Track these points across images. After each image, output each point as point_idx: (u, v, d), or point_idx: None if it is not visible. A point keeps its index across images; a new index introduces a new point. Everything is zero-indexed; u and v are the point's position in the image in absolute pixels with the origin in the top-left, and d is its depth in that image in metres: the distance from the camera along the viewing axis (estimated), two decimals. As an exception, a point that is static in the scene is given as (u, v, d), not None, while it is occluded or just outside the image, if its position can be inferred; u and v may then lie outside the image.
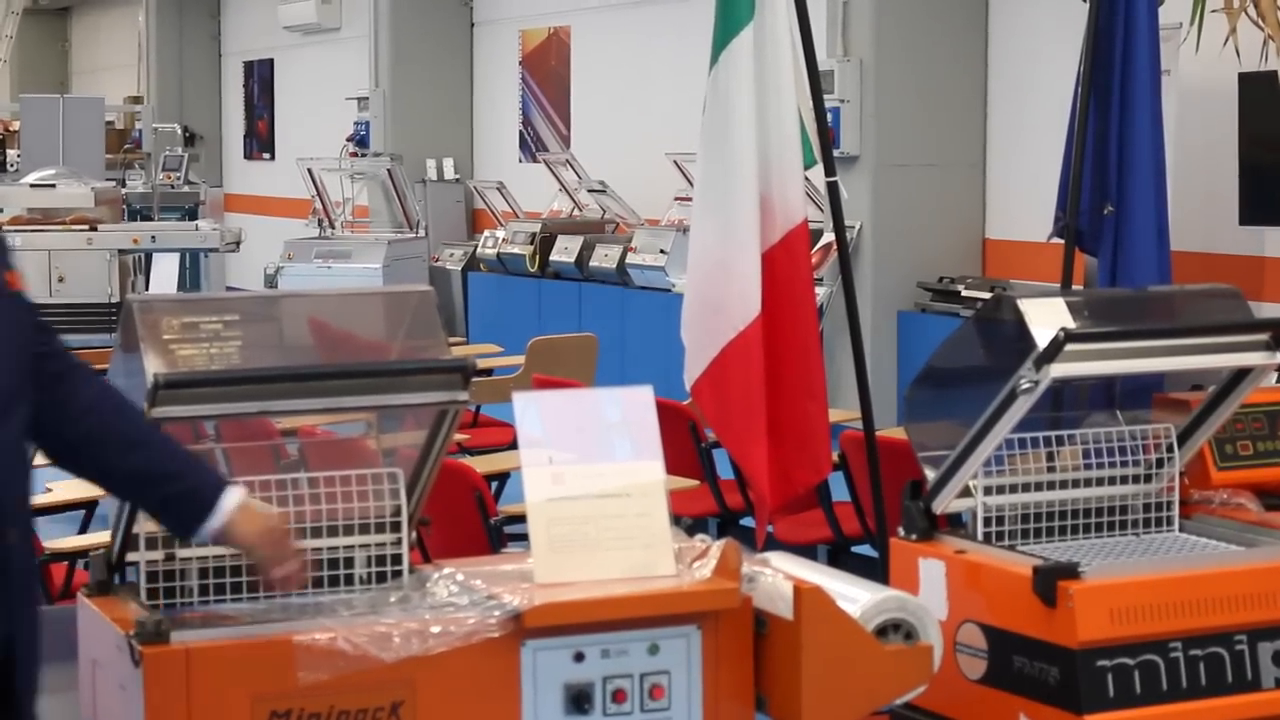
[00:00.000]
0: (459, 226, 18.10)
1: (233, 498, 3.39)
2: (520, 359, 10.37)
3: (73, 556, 6.22)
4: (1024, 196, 12.04)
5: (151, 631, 3.27)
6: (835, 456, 6.47)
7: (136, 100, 25.80)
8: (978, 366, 4.85)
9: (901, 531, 4.61)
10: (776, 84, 5.81)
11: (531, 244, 15.34)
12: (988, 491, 4.56)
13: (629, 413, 3.70)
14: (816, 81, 6.03)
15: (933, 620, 3.64)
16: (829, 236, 11.28)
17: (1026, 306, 4.43)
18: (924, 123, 12.26)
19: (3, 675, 3.03)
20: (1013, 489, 4.62)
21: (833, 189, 6.13)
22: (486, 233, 16.50)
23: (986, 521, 4.56)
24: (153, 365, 3.42)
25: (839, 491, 7.16)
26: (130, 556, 3.61)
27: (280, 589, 3.49)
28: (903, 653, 3.58)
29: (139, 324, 3.50)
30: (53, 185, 18.20)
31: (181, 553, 3.60)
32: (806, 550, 6.85)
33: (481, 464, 7.00)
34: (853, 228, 11.77)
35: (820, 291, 10.35)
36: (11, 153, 22.71)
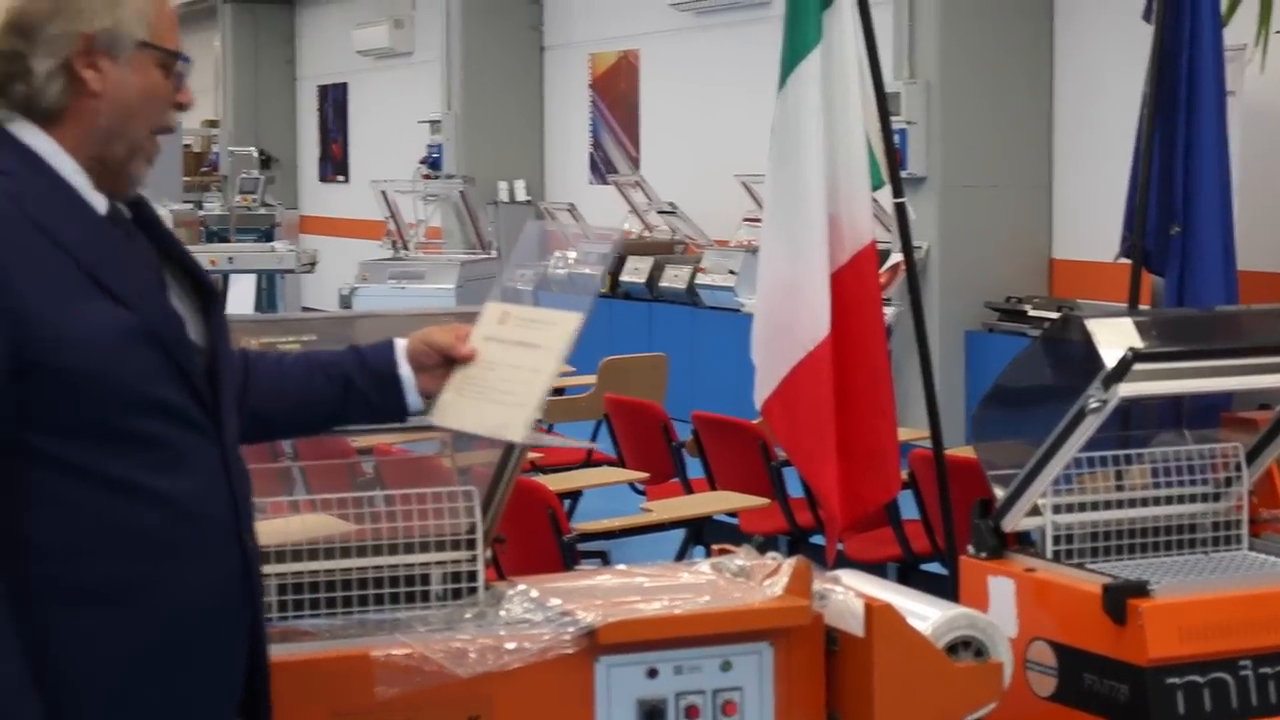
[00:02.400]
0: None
1: (400, 350, 3.38)
2: (591, 378, 10.41)
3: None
4: (1090, 216, 12.03)
5: (232, 647, 3.32)
6: (904, 475, 6.49)
7: (213, 124, 26.01)
8: (1046, 386, 4.86)
9: (971, 549, 4.63)
10: (844, 106, 5.84)
11: (602, 265, 15.39)
12: (1057, 510, 4.58)
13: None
14: (884, 103, 6.06)
15: (1003, 637, 3.65)
16: (897, 257, 11.30)
17: (1094, 326, 4.44)
18: (990, 143, 12.26)
19: (250, 678, 3.08)
20: (1081, 507, 4.63)
21: (900, 210, 6.16)
22: (557, 253, 16.56)
23: (1056, 540, 4.57)
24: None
25: (908, 510, 7.17)
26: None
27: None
28: (973, 670, 3.59)
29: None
30: (130, 208, 18.35)
31: (262, 568, 3.64)
32: (876, 568, 6.87)
33: (554, 482, 7.04)
34: (920, 248, 11.79)
35: (888, 311, 10.36)
36: (90, 176, 22.87)
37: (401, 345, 3.37)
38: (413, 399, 3.37)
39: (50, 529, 2.81)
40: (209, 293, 3.09)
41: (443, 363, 3.39)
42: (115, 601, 2.84)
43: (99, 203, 2.93)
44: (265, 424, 3.29)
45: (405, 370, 3.36)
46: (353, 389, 3.35)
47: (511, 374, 3.38)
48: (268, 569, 3.60)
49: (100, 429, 2.83)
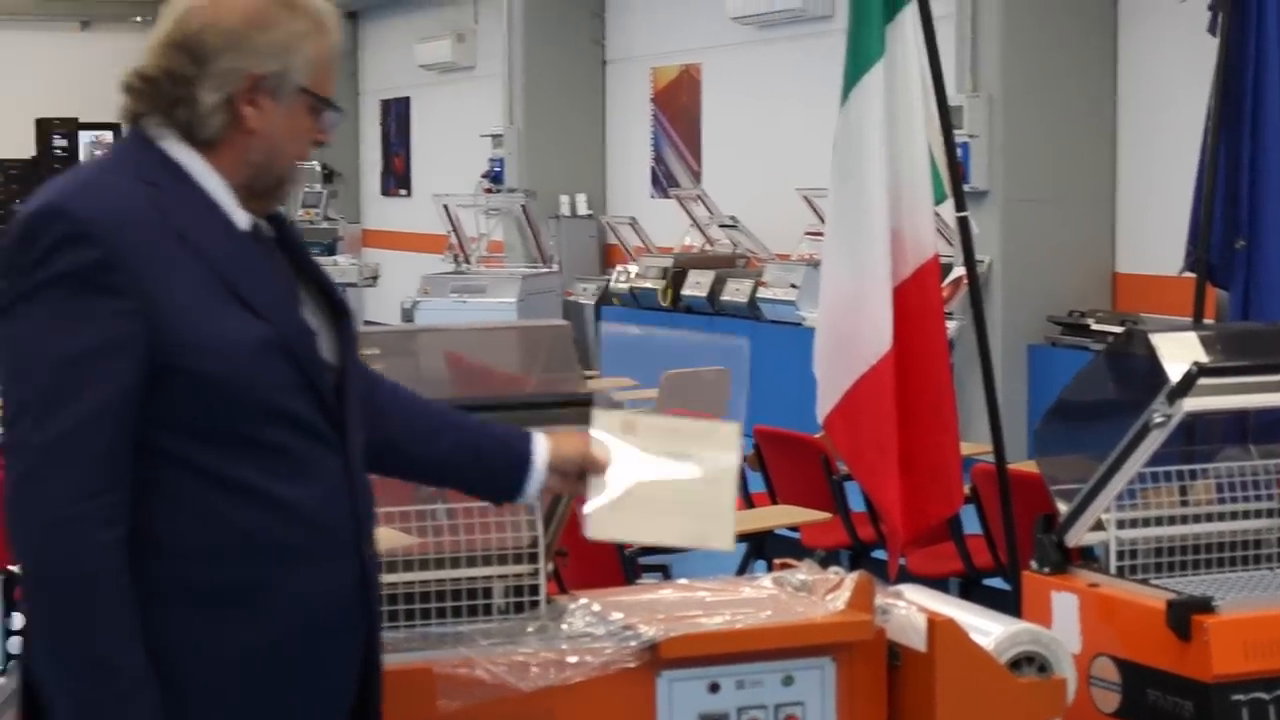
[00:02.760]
0: (592, 261, 18.21)
1: (541, 451, 3.40)
2: (653, 392, 10.41)
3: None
4: (1154, 230, 11.97)
5: (295, 659, 3.33)
6: (967, 489, 6.47)
7: (275, 138, 26.11)
8: (1109, 400, 4.84)
9: (1034, 564, 4.62)
10: (907, 119, 5.83)
11: (664, 278, 15.41)
12: (1120, 525, 4.56)
13: (710, 388, 3.70)
14: (946, 117, 6.05)
15: (1066, 653, 3.64)
16: (959, 271, 11.27)
17: (1158, 340, 4.43)
18: (1053, 157, 12.23)
19: (362, 687, 3.12)
20: (1145, 523, 4.61)
21: (963, 224, 6.14)
22: (619, 267, 16.59)
23: (1119, 555, 4.55)
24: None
25: (970, 524, 7.15)
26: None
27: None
28: (1036, 685, 3.58)
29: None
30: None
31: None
32: (938, 583, 6.85)
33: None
34: (983, 262, 11.76)
35: (950, 325, 10.34)
36: (155, 190, 23.03)
37: (543, 440, 3.40)
38: (532, 489, 3.41)
39: (177, 529, 2.89)
40: (342, 310, 3.18)
41: (579, 472, 3.40)
42: (233, 604, 2.91)
43: (242, 219, 3.02)
44: (378, 456, 3.30)
45: (541, 462, 3.38)
46: (479, 462, 3.40)
47: (686, 486, 3.38)
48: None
49: (231, 435, 2.91)
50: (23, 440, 2.81)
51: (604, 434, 3.39)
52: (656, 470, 3.38)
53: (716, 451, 3.42)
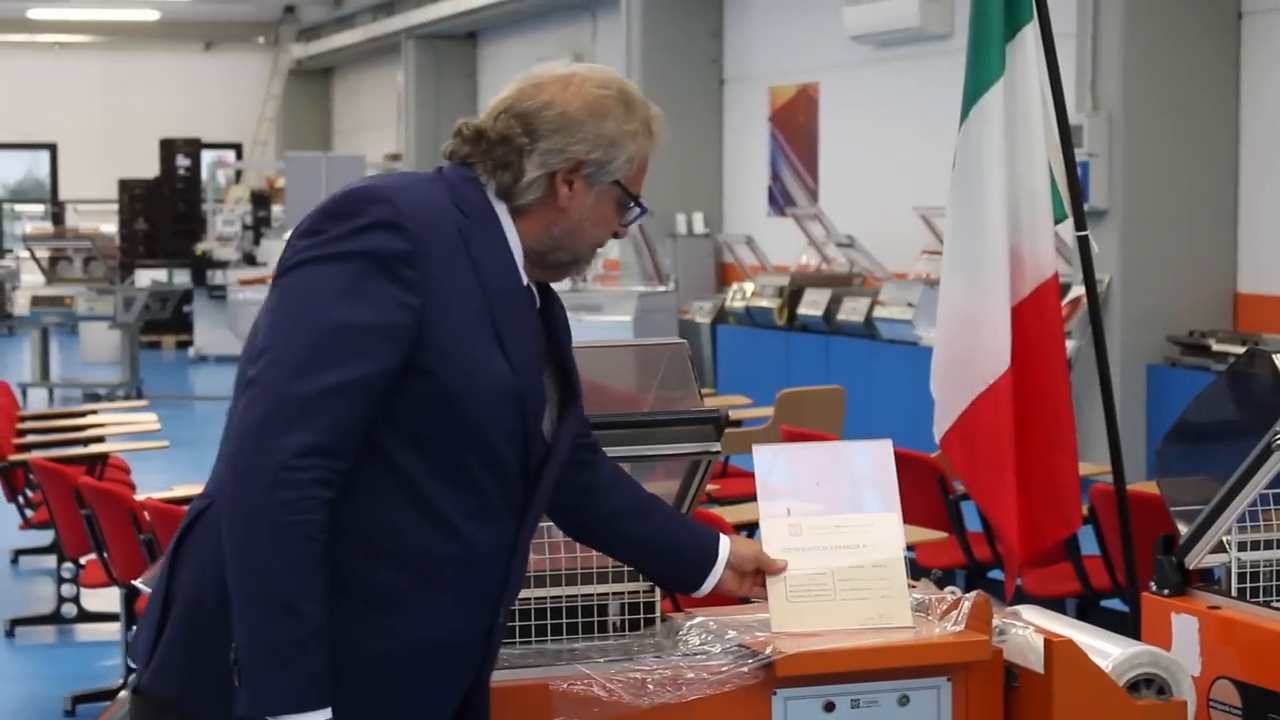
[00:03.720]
0: (708, 280, 18.23)
1: (724, 548, 3.59)
2: (768, 410, 10.41)
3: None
4: (1277, 250, 11.86)
5: (413, 674, 3.35)
6: (1085, 510, 6.42)
7: (395, 158, 26.36)
8: (1231, 421, 4.80)
9: (1153, 586, 4.58)
10: (1027, 138, 5.80)
11: (780, 297, 15.41)
12: (1242, 547, 4.51)
13: (870, 464, 3.73)
14: (1067, 135, 6.01)
15: (1186, 676, 3.61)
16: (1078, 290, 11.20)
17: (1281, 361, 4.39)
18: (1174, 176, 12.13)
19: None
20: (1268, 545, 4.56)
21: (1083, 243, 6.10)
22: (735, 286, 16.60)
23: (1241, 577, 4.51)
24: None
25: (1088, 545, 7.10)
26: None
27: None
28: (1155, 708, 3.55)
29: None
30: (313, 241, 18.60)
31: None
32: (1055, 603, 6.81)
33: (731, 514, 7.05)
34: (1102, 281, 11.68)
35: (1069, 345, 10.27)
36: (276, 208, 23.28)
37: (726, 541, 3.60)
38: (709, 584, 3.58)
39: (356, 518, 3.01)
40: (572, 394, 3.33)
41: (755, 573, 3.60)
42: (378, 607, 3.02)
43: (524, 275, 3.19)
44: (589, 527, 3.57)
45: (723, 561, 3.58)
46: (675, 549, 3.58)
47: (856, 573, 3.61)
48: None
49: (443, 453, 3.05)
50: (279, 383, 2.94)
51: (775, 542, 3.61)
52: (829, 562, 3.60)
53: (881, 537, 3.64)
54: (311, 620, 2.89)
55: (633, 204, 3.28)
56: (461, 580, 3.08)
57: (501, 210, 3.16)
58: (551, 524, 3.76)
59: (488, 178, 3.16)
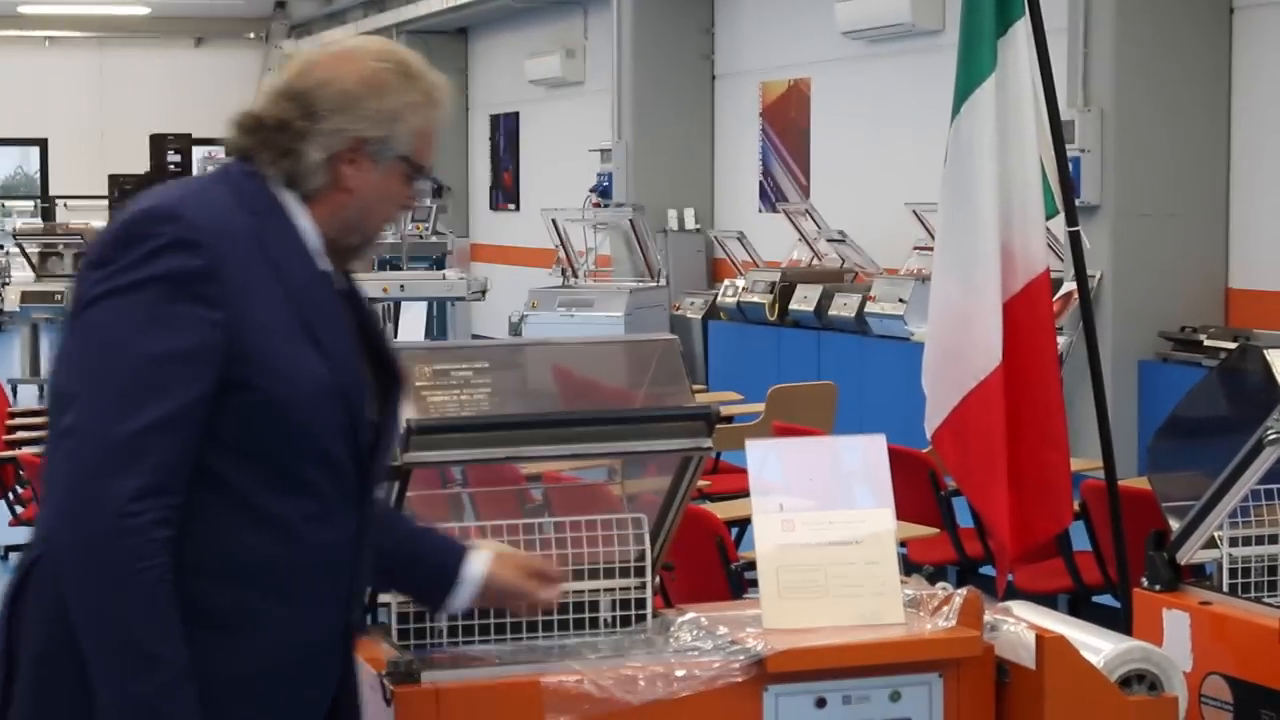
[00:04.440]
0: (699, 276, 18.21)
1: (477, 565, 3.45)
2: (760, 407, 10.40)
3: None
4: (1268, 245, 11.86)
5: (403, 671, 3.36)
6: (1076, 506, 6.42)
7: (385, 153, 26.29)
8: (1223, 417, 4.80)
9: (1145, 582, 4.58)
10: (1019, 134, 5.81)
11: (771, 293, 15.40)
12: (1233, 543, 4.52)
13: (862, 460, 3.73)
14: (1058, 131, 6.01)
15: (1177, 672, 3.61)
16: (1069, 286, 11.21)
17: (1274, 356, 4.39)
18: (1166, 172, 12.13)
19: None
20: (1259, 540, 4.56)
21: (1075, 239, 6.11)
22: (726, 282, 16.59)
23: (1232, 573, 4.51)
24: (406, 411, 3.50)
25: (1080, 541, 7.10)
26: (382, 598, 3.69)
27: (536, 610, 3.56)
28: (1146, 704, 3.55)
29: (394, 371, 3.57)
30: (305, 236, 18.59)
31: (432, 594, 3.67)
32: (1047, 599, 6.80)
33: (722, 510, 7.04)
34: (1094, 277, 11.68)
35: (1060, 341, 10.28)
36: (267, 204, 23.22)
37: (484, 562, 3.44)
38: (457, 604, 3.46)
39: (195, 544, 2.92)
40: (393, 376, 3.24)
41: (519, 594, 3.47)
42: (230, 628, 2.95)
43: (324, 265, 3.10)
44: None
45: (474, 579, 3.43)
46: (411, 569, 3.46)
47: (848, 569, 3.61)
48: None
49: (273, 462, 2.97)
50: (98, 429, 2.84)
51: (767, 536, 3.59)
52: (820, 560, 3.60)
53: (873, 533, 3.64)
54: (174, 664, 2.83)
55: (419, 177, 3.17)
56: (311, 585, 3.02)
57: (289, 200, 3.07)
58: (542, 520, 3.77)
59: (270, 168, 3.06)
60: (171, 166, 24.43)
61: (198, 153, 26.08)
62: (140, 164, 25.51)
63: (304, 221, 3.07)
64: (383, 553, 3.32)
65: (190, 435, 2.88)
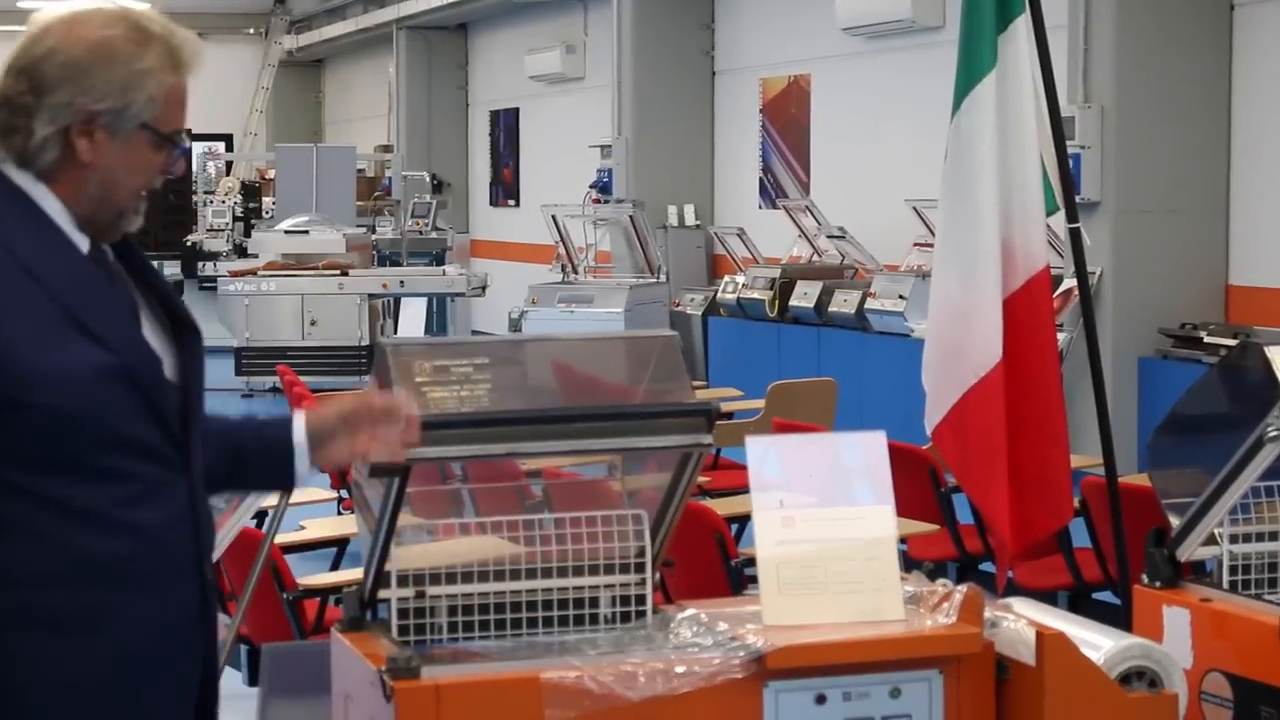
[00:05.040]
0: (699, 272, 18.21)
1: (298, 428, 3.31)
2: (760, 403, 10.40)
3: (324, 592, 6.37)
4: (1268, 241, 11.85)
5: (403, 667, 3.35)
6: (1076, 502, 6.42)
7: (386, 149, 26.33)
8: (1223, 414, 4.80)
9: (1145, 579, 4.58)
10: (1019, 130, 5.81)
11: (771, 289, 15.40)
12: (1234, 540, 4.50)
13: (862, 457, 3.72)
14: (1059, 128, 6.01)
15: (1177, 669, 3.60)
16: (1070, 282, 11.20)
17: (1274, 353, 4.38)
18: (1166, 168, 12.13)
19: (202, 697, 3.16)
20: (1259, 537, 4.55)
21: (1075, 235, 6.11)
22: (726, 278, 16.58)
23: (1232, 570, 4.50)
24: (406, 407, 3.49)
25: (1079, 538, 7.10)
26: (382, 594, 3.68)
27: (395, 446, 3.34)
28: (1147, 701, 3.55)
29: (392, 366, 3.57)
30: (306, 231, 18.65)
31: (432, 590, 3.67)
32: (1047, 596, 6.81)
33: (722, 506, 7.04)
34: (1094, 273, 11.68)
35: (1061, 337, 10.27)
36: (267, 200, 23.26)
37: (300, 418, 3.32)
38: (301, 467, 3.32)
39: (18, 557, 2.89)
40: (186, 327, 3.16)
41: (341, 429, 3.30)
42: (81, 629, 2.92)
43: (82, 243, 2.99)
44: None
45: (300, 437, 3.30)
46: (243, 461, 3.33)
47: (848, 565, 3.59)
48: (438, 590, 3.65)
49: (73, 464, 2.90)
50: None
51: (769, 537, 3.58)
52: (820, 556, 3.58)
53: (873, 531, 3.62)
54: None
55: (168, 144, 3.04)
56: (155, 566, 2.98)
57: (28, 181, 2.95)
58: (542, 516, 3.76)
59: (3, 150, 2.96)
60: (171, 162, 24.36)
61: (197, 148, 26.06)
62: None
63: (51, 203, 2.96)
64: (213, 466, 3.23)
65: None
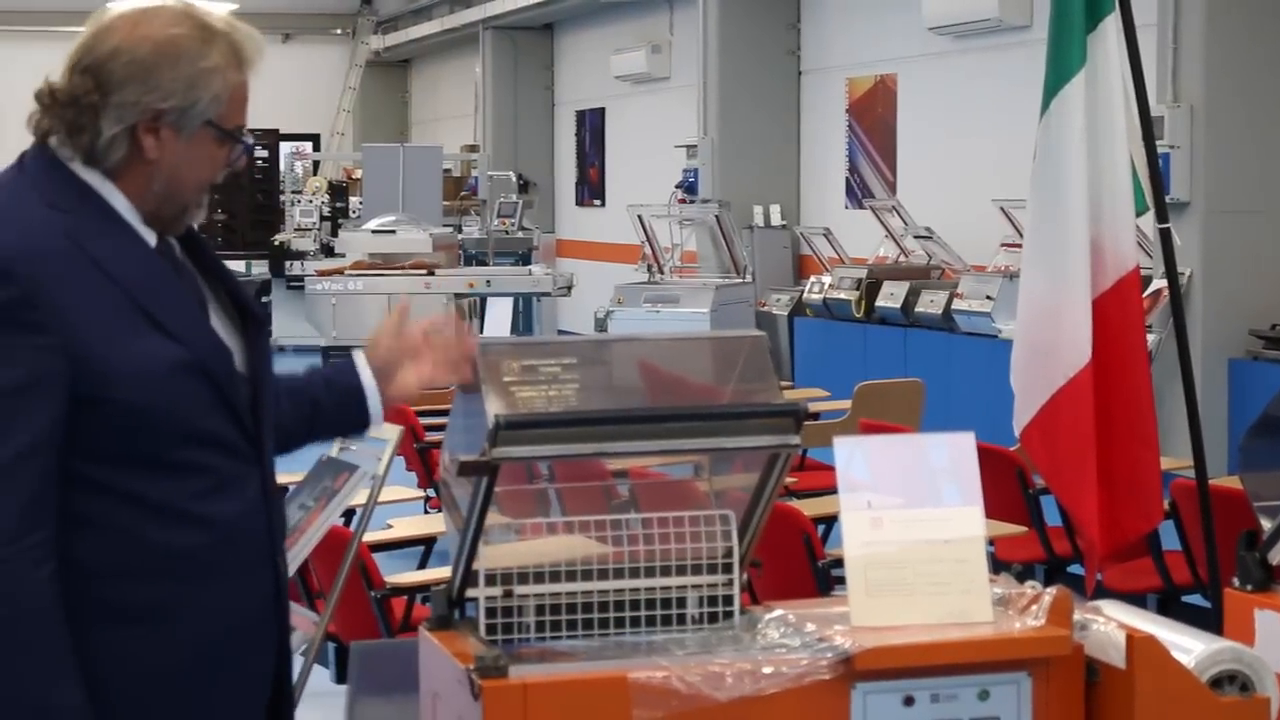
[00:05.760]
0: (785, 272, 18.19)
1: (363, 367, 3.39)
2: (846, 404, 10.39)
3: (412, 591, 6.40)
4: (1361, 242, 11.76)
5: (490, 666, 3.35)
6: (1166, 504, 6.38)
7: (473, 149, 26.41)
8: (1316, 415, 4.75)
9: (1236, 582, 4.54)
10: (1108, 130, 5.77)
11: (857, 290, 15.36)
12: (1326, 543, 4.47)
13: (950, 458, 3.71)
14: (1148, 127, 5.97)
15: (1270, 673, 3.57)
16: (1159, 283, 11.13)
17: (1367, 355, 4.34)
18: (1256, 167, 12.04)
19: (274, 702, 3.18)
20: (1353, 541, 4.51)
21: (1165, 235, 6.07)
22: (813, 278, 16.55)
23: (1325, 573, 4.47)
24: (494, 406, 3.50)
25: (1169, 540, 7.06)
26: (469, 592, 3.69)
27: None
28: (1238, 705, 3.52)
29: (481, 366, 3.58)
30: (393, 231, 18.74)
31: (519, 589, 3.68)
32: (1136, 599, 6.77)
33: (809, 507, 7.03)
34: (1183, 274, 11.60)
35: (1150, 338, 10.20)
36: (354, 200, 23.37)
37: (361, 358, 3.40)
38: (374, 406, 3.40)
39: (97, 551, 2.92)
40: (253, 318, 3.19)
41: (401, 360, 3.40)
42: (156, 621, 2.96)
43: (149, 237, 3.02)
44: None
45: (367, 377, 3.39)
46: (320, 410, 3.40)
47: (936, 567, 3.58)
48: (526, 589, 3.65)
49: (149, 459, 2.94)
50: None
51: (855, 533, 3.56)
52: (908, 557, 3.57)
53: (962, 531, 3.60)
54: (71, 711, 2.84)
55: (232, 141, 3.07)
56: (230, 558, 3.01)
57: (96, 179, 2.98)
58: (629, 516, 3.76)
59: (67, 146, 2.98)
60: (259, 162, 24.56)
61: (285, 148, 26.22)
62: (230, 160, 25.64)
63: (118, 200, 2.99)
64: (292, 424, 3.30)
65: (45, 465, 2.86)
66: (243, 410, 3.05)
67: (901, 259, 16.08)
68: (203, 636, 3.00)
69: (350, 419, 3.45)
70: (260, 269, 21.82)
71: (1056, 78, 5.79)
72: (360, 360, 3.39)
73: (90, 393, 2.88)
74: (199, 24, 3.00)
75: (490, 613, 3.65)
